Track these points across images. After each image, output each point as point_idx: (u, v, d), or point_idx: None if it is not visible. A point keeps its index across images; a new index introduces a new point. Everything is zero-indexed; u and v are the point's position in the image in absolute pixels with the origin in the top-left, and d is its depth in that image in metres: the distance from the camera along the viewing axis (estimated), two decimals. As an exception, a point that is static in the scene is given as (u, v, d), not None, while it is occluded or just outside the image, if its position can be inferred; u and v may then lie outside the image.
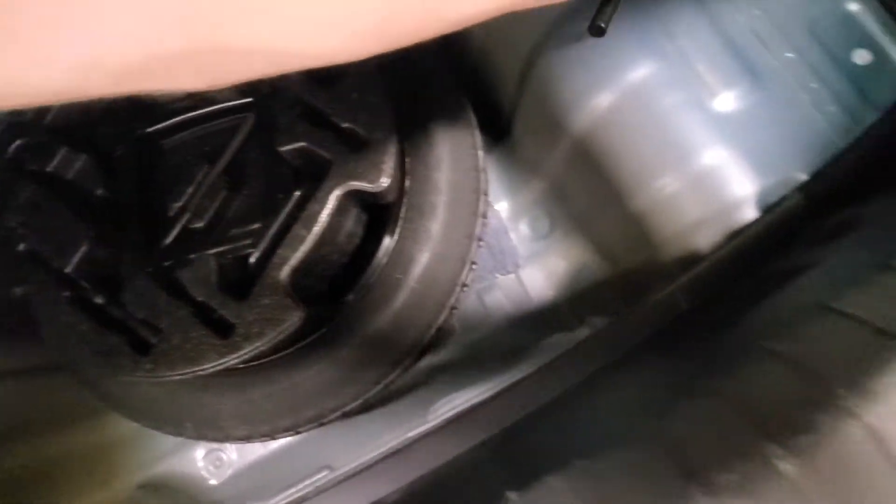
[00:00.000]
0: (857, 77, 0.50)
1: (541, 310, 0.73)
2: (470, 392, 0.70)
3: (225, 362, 0.50)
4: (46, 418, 0.67)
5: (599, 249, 0.68)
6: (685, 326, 0.41)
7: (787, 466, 0.20)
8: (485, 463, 0.38)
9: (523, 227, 0.77)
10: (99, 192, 0.59)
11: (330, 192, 0.52)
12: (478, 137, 0.68)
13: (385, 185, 0.53)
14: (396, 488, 0.43)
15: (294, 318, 0.50)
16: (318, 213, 0.52)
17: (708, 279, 0.43)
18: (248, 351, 0.50)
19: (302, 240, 0.52)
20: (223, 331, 0.51)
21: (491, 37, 0.68)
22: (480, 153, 0.68)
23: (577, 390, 0.39)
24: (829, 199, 0.43)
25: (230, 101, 0.63)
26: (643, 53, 0.53)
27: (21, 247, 0.56)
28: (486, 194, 0.68)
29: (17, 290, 0.56)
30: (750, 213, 0.49)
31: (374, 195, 0.54)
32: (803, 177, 0.48)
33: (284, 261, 0.51)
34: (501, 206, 0.79)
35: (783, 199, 0.46)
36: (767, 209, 0.46)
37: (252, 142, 0.62)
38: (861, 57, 0.50)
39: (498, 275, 0.76)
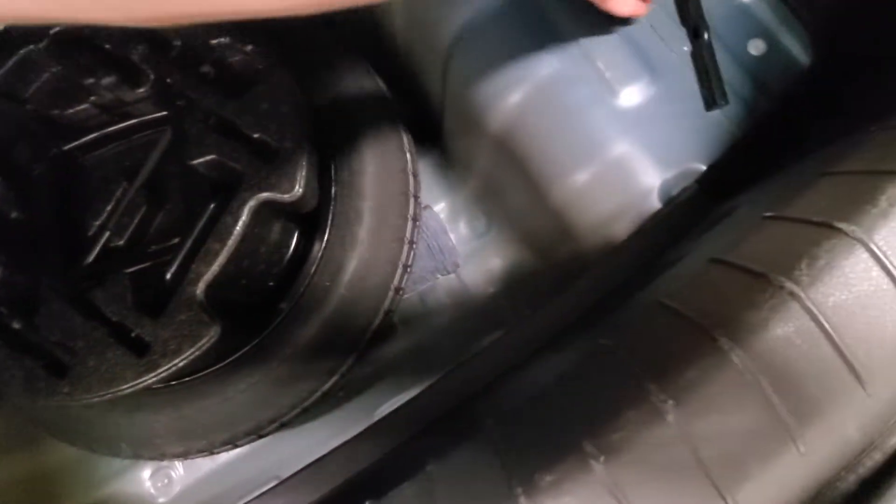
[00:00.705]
0: (751, 67, 0.51)
1: (482, 308, 0.74)
2: (413, 393, 0.70)
3: (142, 382, 0.50)
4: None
5: (532, 244, 0.68)
6: (587, 321, 0.42)
7: (597, 464, 0.20)
8: (365, 473, 0.39)
9: (462, 227, 0.78)
10: (14, 215, 0.58)
11: (243, 203, 0.52)
12: (406, 139, 0.68)
13: (298, 194, 0.53)
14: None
15: (211, 334, 0.50)
16: (232, 225, 0.52)
17: (611, 271, 0.44)
18: (165, 369, 0.49)
19: (216, 254, 0.51)
20: (140, 350, 0.51)
21: (413, 35, 0.68)
22: (409, 156, 0.68)
23: (481, 389, 0.40)
24: (722, 190, 0.45)
25: (146, 114, 0.62)
26: (548, 52, 0.54)
27: None
28: (416, 197, 0.68)
29: None
30: (656, 205, 0.51)
31: (290, 204, 0.54)
32: (703, 167, 0.49)
33: (199, 276, 0.51)
34: (440, 207, 0.79)
35: (683, 190, 0.47)
36: (669, 200, 0.48)
37: (170, 156, 0.61)
38: (756, 47, 0.51)
39: (439, 275, 0.77)
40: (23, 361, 0.52)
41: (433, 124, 0.76)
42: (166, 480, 0.73)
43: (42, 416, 0.62)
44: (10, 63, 0.60)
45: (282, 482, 0.58)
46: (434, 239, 0.79)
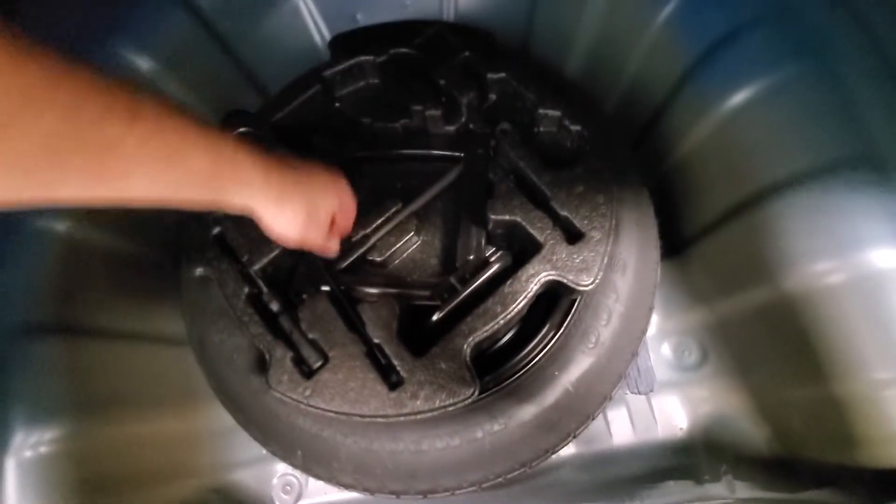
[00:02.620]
0: None
1: (669, 445, 0.68)
2: None
3: (384, 416, 0.48)
4: (156, 391, 0.66)
5: (769, 413, 0.62)
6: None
7: None
8: None
9: (665, 350, 0.73)
10: None
11: (534, 276, 0.51)
12: (658, 252, 0.66)
13: (591, 286, 0.51)
14: None
15: (467, 393, 0.48)
16: (519, 293, 0.50)
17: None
18: (411, 412, 0.47)
19: (494, 316, 0.50)
20: (391, 381, 0.49)
21: (697, 160, 0.67)
22: (658, 270, 0.65)
23: None
24: None
25: (440, 150, 0.63)
26: (892, 238, 0.50)
27: (214, 231, 0.57)
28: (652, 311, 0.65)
29: (199, 270, 0.57)
30: None
31: (571, 291, 0.53)
32: None
33: (472, 331, 0.50)
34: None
35: None
36: None
37: (448, 194, 0.62)
38: None
39: (629, 392, 0.72)
40: (275, 345, 0.51)
41: (674, 238, 0.73)
42: (290, 490, 0.70)
43: (230, 389, 0.61)
44: (344, 65, 0.64)
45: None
46: (633, 352, 0.75)
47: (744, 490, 0.61)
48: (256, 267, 0.54)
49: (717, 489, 0.62)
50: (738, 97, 0.62)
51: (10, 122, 0.23)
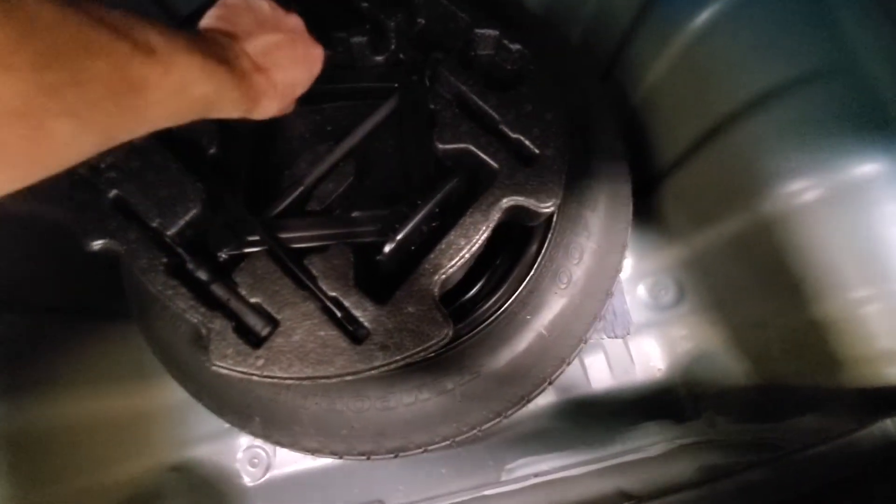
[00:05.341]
0: None
1: (648, 386, 0.66)
2: (556, 460, 0.62)
3: (354, 373, 0.43)
4: (97, 368, 0.60)
5: (748, 345, 0.60)
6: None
7: None
8: None
9: (641, 291, 0.71)
10: (212, 150, 0.51)
11: (495, 203, 0.47)
12: (630, 186, 0.63)
13: (553, 206, 0.47)
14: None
15: (441, 335, 0.43)
16: (481, 223, 0.46)
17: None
18: (383, 363, 0.43)
19: (459, 249, 0.46)
20: (354, 335, 0.45)
21: (666, 87, 0.63)
22: (631, 204, 0.62)
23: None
24: None
25: (369, 82, 0.57)
26: (871, 149, 0.48)
27: (110, 194, 0.46)
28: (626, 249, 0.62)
29: (96, 244, 0.46)
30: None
31: (535, 215, 0.48)
32: None
33: (437, 269, 0.45)
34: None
35: None
36: None
37: (387, 130, 0.56)
38: None
39: (605, 336, 0.70)
40: (210, 319, 0.45)
41: (644, 177, 0.70)
42: (258, 462, 0.66)
43: (177, 360, 0.56)
44: None
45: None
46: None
47: (725, 424, 0.59)
48: (172, 231, 0.46)
49: (699, 426, 0.61)
50: (704, 15, 0.58)
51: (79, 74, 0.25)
